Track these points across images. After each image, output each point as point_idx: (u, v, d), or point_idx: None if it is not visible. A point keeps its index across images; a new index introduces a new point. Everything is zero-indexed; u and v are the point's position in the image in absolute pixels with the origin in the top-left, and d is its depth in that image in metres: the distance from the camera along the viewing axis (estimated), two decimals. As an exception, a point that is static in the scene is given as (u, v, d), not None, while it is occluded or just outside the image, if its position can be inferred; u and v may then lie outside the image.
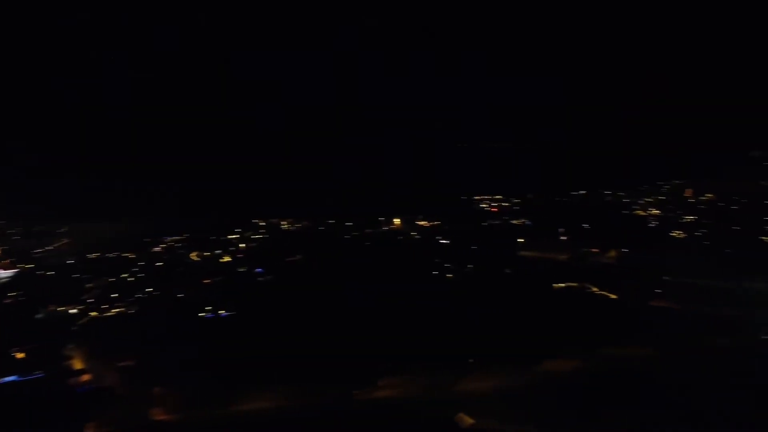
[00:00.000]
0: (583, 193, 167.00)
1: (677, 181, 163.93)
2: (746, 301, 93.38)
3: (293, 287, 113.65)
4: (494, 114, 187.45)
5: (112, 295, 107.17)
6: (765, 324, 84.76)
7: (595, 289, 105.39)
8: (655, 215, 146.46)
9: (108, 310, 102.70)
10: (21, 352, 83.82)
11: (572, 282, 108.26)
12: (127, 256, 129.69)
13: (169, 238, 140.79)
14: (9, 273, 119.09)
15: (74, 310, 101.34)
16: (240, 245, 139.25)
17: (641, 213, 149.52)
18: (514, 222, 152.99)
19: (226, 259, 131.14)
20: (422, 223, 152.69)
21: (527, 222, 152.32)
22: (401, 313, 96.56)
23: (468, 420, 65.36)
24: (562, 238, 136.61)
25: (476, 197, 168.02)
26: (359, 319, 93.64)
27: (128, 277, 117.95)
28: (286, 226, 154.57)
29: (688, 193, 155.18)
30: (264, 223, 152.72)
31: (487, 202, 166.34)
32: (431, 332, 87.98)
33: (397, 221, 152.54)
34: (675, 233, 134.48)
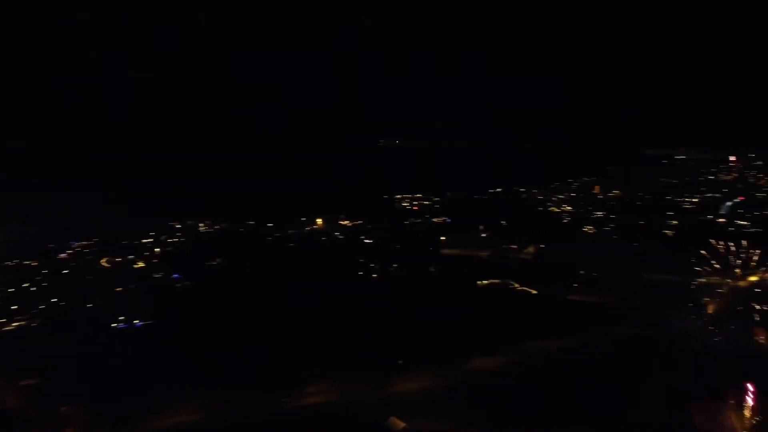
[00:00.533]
0: (499, 191, 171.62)
1: (586, 179, 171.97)
2: (656, 292, 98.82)
3: (213, 292, 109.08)
4: (415, 113, 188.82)
5: (12, 308, 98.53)
6: (674, 313, 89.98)
7: (516, 285, 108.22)
8: (568, 211, 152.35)
9: (8, 324, 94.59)
10: None
11: (495, 279, 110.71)
12: (29, 264, 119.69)
13: (76, 243, 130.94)
14: None
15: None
16: (155, 249, 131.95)
17: (555, 210, 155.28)
18: (435, 220, 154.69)
19: (140, 264, 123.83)
20: (345, 222, 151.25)
21: (448, 220, 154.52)
22: (327, 315, 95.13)
23: (399, 423, 64.92)
24: (482, 235, 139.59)
25: (397, 196, 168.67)
26: (284, 323, 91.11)
27: (30, 286, 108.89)
28: (203, 228, 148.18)
29: (596, 190, 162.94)
30: (180, 226, 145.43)
31: (408, 200, 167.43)
32: (359, 334, 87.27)
33: (319, 221, 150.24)
34: (586, 228, 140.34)
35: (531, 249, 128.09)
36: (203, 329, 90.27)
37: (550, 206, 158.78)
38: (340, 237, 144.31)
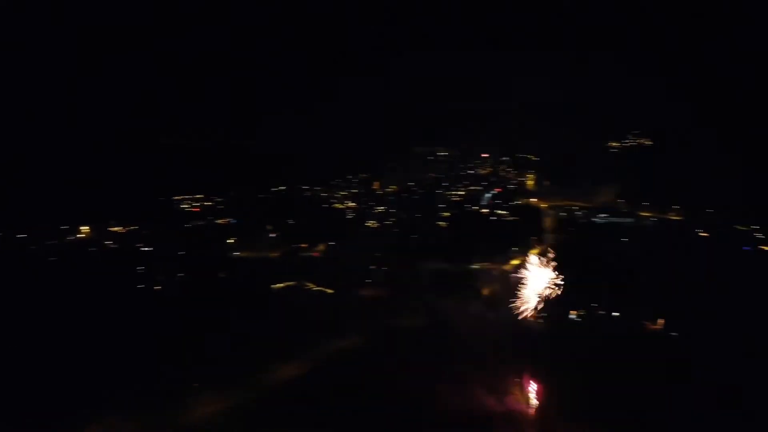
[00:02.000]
0: (283, 189, 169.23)
1: (364, 175, 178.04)
2: (438, 284, 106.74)
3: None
4: (188, 108, 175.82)
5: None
6: (455, 300, 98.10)
7: (312, 285, 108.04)
8: (351, 208, 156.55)
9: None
10: None
11: (289, 281, 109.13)
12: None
13: None
14: None
15: None
16: None
17: (339, 206, 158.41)
18: (220, 221, 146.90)
19: None
20: (116, 229, 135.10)
21: (233, 220, 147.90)
22: (102, 339, 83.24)
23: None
24: (271, 235, 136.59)
25: (176, 197, 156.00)
26: (49, 353, 78.08)
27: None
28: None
29: (375, 185, 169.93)
30: None
31: (188, 201, 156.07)
32: (143, 356, 78.81)
33: (85, 229, 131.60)
34: (370, 223, 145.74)
35: (321, 247, 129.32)
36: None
37: (334, 203, 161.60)
38: (113, 246, 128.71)
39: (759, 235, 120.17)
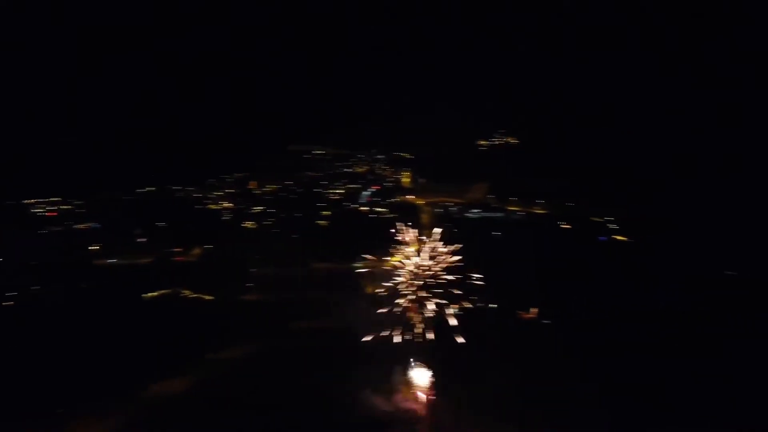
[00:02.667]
0: (152, 190, 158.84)
1: (238, 174, 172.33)
2: (322, 284, 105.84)
3: None
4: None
5: None
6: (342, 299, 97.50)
7: (188, 292, 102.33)
8: (228, 208, 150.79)
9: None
10: None
11: (163, 289, 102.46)
12: None
13: None
14: None
15: None
16: None
17: (214, 207, 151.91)
18: (80, 227, 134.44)
19: None
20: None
21: (95, 225, 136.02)
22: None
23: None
24: (139, 240, 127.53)
25: (26, 201, 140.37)
26: None
27: None
28: None
29: (252, 185, 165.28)
30: None
31: (43, 205, 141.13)
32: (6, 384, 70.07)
33: None
34: (247, 224, 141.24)
35: (197, 251, 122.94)
36: None
37: (209, 203, 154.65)
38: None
39: (612, 226, 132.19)
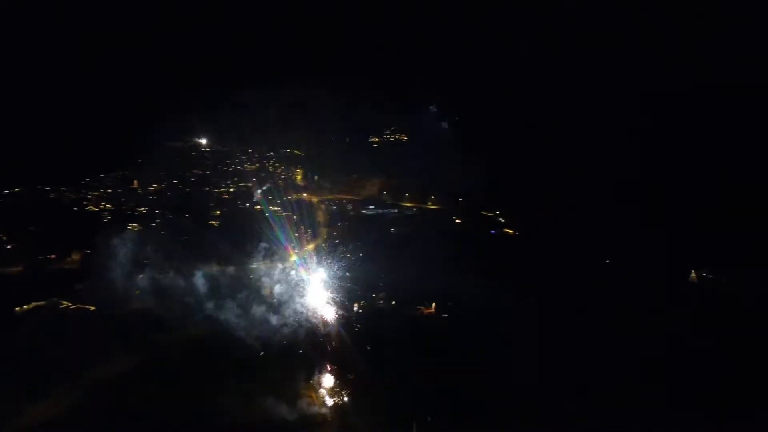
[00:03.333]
0: (19, 191, 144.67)
1: (119, 173, 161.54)
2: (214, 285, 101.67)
3: None
4: None
5: None
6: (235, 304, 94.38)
7: (67, 303, 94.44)
8: (108, 209, 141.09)
9: None
10: None
11: (38, 300, 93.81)
12: None
13: None
14: None
15: None
16: None
17: (94, 208, 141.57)
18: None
19: None
20: None
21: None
22: None
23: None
24: (7, 246, 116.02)
25: None
26: None
27: None
28: None
29: (135, 184, 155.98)
30: None
31: None
32: None
33: None
34: (131, 226, 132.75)
35: (75, 256, 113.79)
36: None
37: (87, 205, 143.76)
38: None
39: (501, 220, 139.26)
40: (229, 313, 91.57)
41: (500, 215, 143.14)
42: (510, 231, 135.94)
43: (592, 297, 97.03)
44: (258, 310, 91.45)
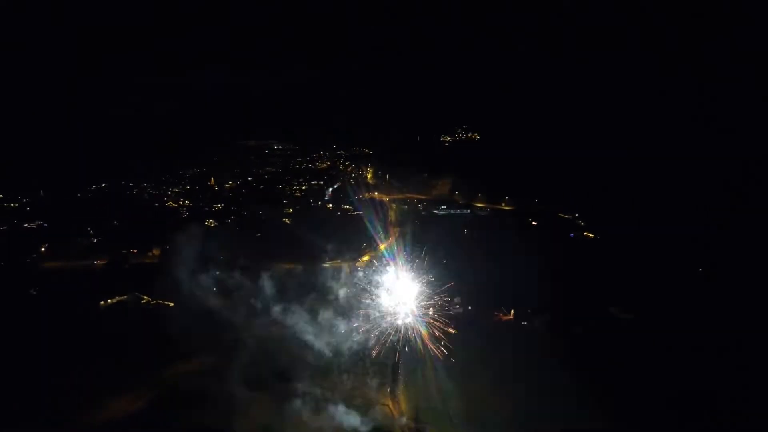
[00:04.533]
0: (104, 187, 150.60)
1: (196, 170, 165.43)
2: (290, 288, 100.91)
3: None
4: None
5: None
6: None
7: (147, 298, 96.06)
8: (186, 206, 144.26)
9: None
10: None
11: (121, 295, 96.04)
12: None
13: None
14: None
15: None
16: None
17: (173, 204, 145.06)
18: (27, 226, 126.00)
19: None
20: None
21: (44, 224, 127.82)
22: None
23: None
24: (93, 240, 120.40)
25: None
26: None
27: None
28: None
29: (211, 181, 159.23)
30: None
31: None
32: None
33: None
34: (208, 222, 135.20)
35: (155, 252, 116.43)
36: None
37: (167, 201, 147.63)
38: None
39: (581, 223, 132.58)
40: (297, 317, 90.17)
41: (579, 218, 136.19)
42: (590, 234, 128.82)
43: (681, 308, 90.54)
44: (328, 312, 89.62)
